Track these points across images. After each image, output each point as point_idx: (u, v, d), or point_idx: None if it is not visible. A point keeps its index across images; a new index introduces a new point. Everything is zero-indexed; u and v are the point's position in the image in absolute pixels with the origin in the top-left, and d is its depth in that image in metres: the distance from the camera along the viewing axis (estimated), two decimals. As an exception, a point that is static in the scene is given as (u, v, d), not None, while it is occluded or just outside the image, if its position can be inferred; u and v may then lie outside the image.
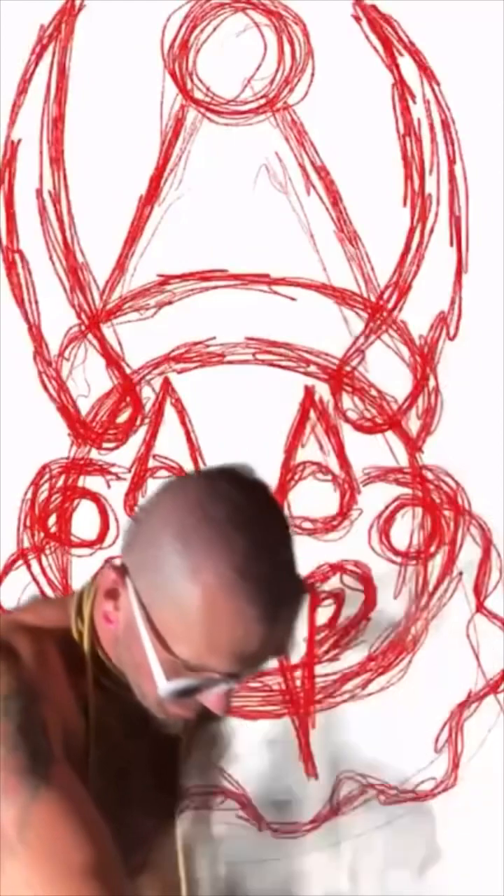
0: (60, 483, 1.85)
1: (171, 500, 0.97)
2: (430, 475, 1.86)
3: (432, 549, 1.86)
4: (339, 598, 1.85)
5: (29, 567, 1.85)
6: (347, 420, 1.85)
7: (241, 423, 1.83)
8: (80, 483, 1.85)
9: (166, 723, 0.99)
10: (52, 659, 1.02)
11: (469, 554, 1.87)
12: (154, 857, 1.12)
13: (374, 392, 1.85)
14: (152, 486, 1.83)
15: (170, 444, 1.84)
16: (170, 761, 1.11)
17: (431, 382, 1.85)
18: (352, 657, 1.86)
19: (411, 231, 1.83)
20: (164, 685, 0.93)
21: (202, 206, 1.83)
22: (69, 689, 1.01)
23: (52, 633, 1.04)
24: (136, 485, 1.84)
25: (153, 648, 0.94)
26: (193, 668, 0.93)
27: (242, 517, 0.93)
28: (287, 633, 0.93)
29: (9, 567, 1.85)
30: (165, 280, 1.84)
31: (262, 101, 1.82)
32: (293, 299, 1.84)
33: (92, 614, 1.03)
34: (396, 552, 1.86)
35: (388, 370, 1.85)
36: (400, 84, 1.82)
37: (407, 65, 1.81)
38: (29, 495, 1.84)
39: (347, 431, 1.85)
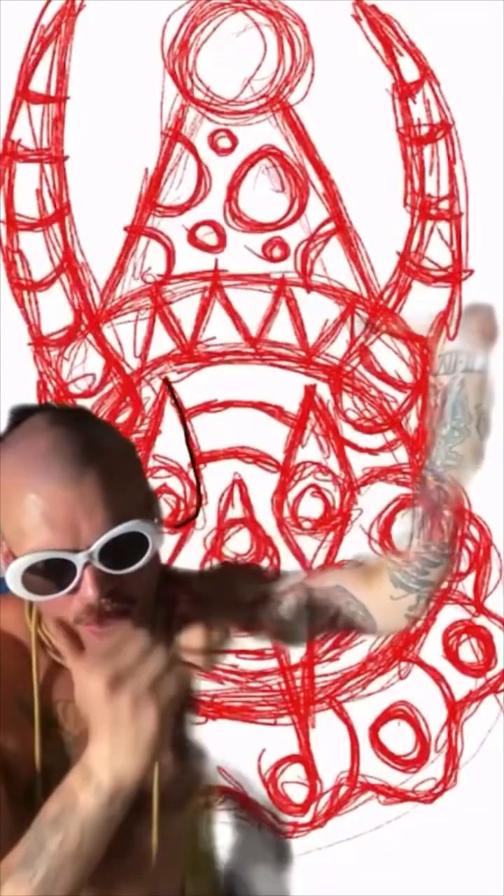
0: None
1: None
2: (430, 475, 1.86)
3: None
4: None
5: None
6: (347, 420, 1.85)
7: (240, 423, 1.83)
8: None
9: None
10: (2, 661, 1.02)
11: (469, 554, 1.87)
12: (135, 854, 1.12)
13: (374, 392, 1.85)
14: (152, 485, 1.83)
15: (170, 444, 1.84)
16: None
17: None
18: (352, 657, 1.86)
19: (411, 231, 1.83)
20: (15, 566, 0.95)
21: (202, 205, 1.83)
22: (18, 689, 1.01)
23: (9, 633, 1.05)
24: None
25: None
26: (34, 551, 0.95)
27: (37, 429, 0.98)
28: (97, 503, 0.94)
29: None
30: (165, 280, 1.84)
31: (262, 101, 1.82)
32: (293, 299, 1.84)
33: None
34: (397, 552, 1.86)
35: (388, 370, 1.85)
36: (400, 84, 1.82)
37: (407, 65, 1.81)
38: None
39: (347, 431, 1.85)
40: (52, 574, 0.94)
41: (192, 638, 1.05)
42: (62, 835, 0.89)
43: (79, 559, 0.93)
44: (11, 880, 0.89)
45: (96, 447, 0.96)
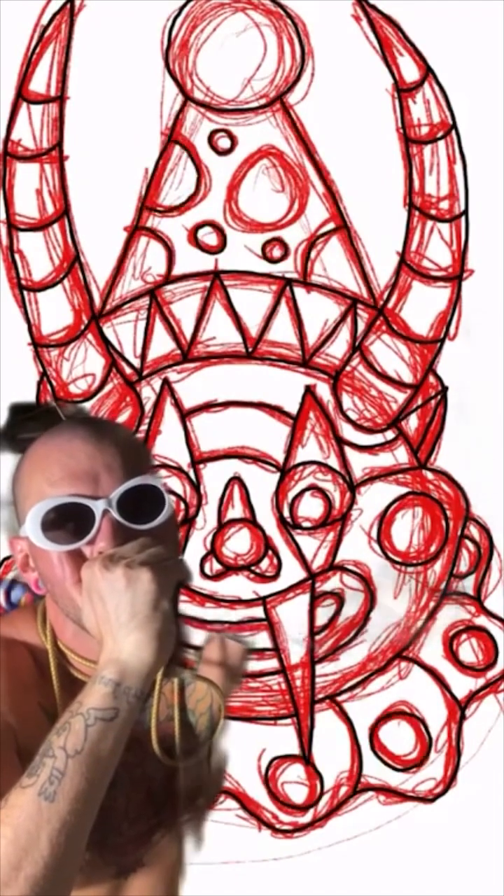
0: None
1: None
2: (430, 475, 1.86)
3: (432, 548, 1.86)
4: (339, 598, 1.85)
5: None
6: (347, 420, 1.85)
7: (240, 423, 1.83)
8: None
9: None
10: (23, 669, 1.02)
11: (469, 554, 1.87)
12: (149, 858, 1.12)
13: (374, 392, 1.85)
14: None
15: (170, 444, 1.84)
16: (160, 776, 1.11)
17: (431, 381, 1.85)
18: (352, 657, 1.86)
19: (411, 231, 1.84)
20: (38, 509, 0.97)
21: (202, 205, 1.83)
22: (39, 697, 1.01)
23: (27, 645, 1.05)
24: (136, 485, 1.84)
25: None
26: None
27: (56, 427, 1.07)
28: (115, 457, 0.99)
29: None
30: (165, 280, 1.84)
31: (263, 101, 1.82)
32: (293, 299, 1.84)
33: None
34: (396, 552, 1.86)
35: (388, 370, 1.85)
36: (400, 84, 1.82)
37: (407, 65, 1.82)
38: (29, 495, 1.84)
39: (347, 431, 1.85)
40: (71, 524, 0.95)
41: (213, 650, 1.07)
42: (66, 734, 0.86)
43: (98, 506, 0.95)
44: (15, 788, 0.86)
45: (112, 425, 1.10)
